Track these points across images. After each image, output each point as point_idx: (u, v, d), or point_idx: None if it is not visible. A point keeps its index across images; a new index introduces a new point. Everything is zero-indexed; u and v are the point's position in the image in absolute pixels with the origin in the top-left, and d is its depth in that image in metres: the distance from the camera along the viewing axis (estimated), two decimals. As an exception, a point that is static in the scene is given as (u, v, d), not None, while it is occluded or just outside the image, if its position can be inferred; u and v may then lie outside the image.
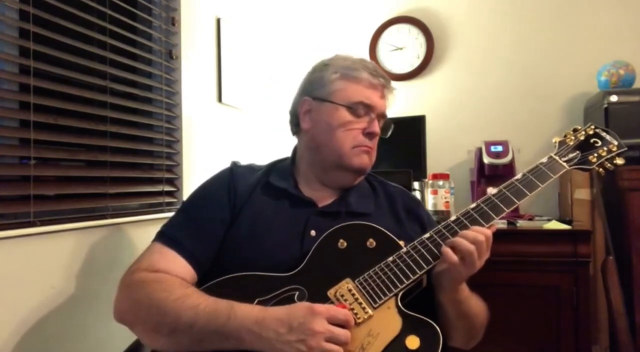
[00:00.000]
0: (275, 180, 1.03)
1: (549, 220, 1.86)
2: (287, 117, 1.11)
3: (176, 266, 0.91)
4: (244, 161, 1.14)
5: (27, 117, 1.14)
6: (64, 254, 1.20)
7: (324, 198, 1.03)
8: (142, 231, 1.40)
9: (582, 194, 1.98)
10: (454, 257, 0.84)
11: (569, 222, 1.82)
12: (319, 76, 1.03)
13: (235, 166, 1.08)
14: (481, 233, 0.86)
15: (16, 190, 1.13)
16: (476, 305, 0.96)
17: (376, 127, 1.00)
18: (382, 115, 1.03)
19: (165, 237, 0.95)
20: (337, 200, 1.03)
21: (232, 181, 1.02)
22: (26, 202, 1.12)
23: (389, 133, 1.08)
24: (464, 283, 0.90)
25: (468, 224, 0.90)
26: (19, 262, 1.09)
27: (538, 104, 2.31)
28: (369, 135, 1.00)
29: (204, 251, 0.95)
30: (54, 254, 1.18)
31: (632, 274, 1.74)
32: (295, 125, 1.08)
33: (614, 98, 1.89)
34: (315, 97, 1.03)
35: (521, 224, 1.83)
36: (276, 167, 1.08)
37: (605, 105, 1.90)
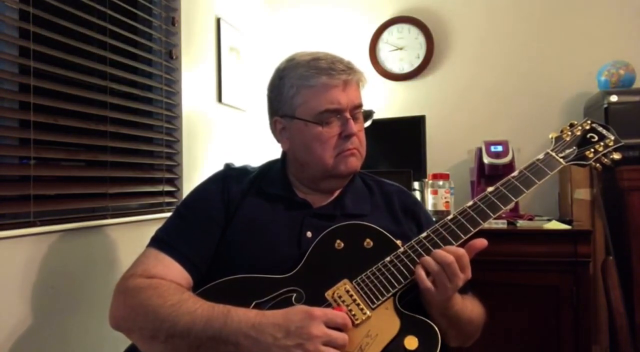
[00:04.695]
0: (268, 186, 1.02)
1: (549, 220, 1.86)
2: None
3: (171, 271, 0.90)
4: (242, 162, 1.13)
5: (27, 117, 1.14)
6: (64, 254, 1.21)
7: (319, 200, 1.02)
8: (142, 231, 1.40)
9: (582, 194, 1.98)
10: (427, 283, 0.82)
11: (569, 222, 1.81)
12: (279, 93, 1.00)
13: (228, 169, 1.08)
14: (452, 253, 0.83)
15: (16, 190, 1.14)
16: (470, 313, 0.93)
17: (351, 128, 0.95)
18: (355, 108, 0.98)
19: (159, 242, 0.94)
20: (333, 201, 1.02)
21: (225, 184, 1.01)
22: (26, 202, 1.12)
23: (370, 121, 1.03)
24: (452, 299, 0.86)
25: (465, 222, 0.90)
26: (19, 262, 1.09)
27: (538, 104, 2.30)
28: (347, 137, 0.96)
29: (199, 255, 0.94)
30: (54, 254, 1.18)
31: (632, 274, 1.74)
32: (278, 141, 1.07)
33: (614, 98, 1.89)
34: (282, 115, 1.01)
35: (521, 224, 1.83)
36: (269, 171, 1.07)
37: (605, 105, 1.90)
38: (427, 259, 0.84)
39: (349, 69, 0.97)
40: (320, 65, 0.95)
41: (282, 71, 1.01)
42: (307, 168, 1.00)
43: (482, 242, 0.87)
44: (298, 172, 1.03)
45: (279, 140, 1.06)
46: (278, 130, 1.03)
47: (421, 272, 0.83)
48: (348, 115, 0.96)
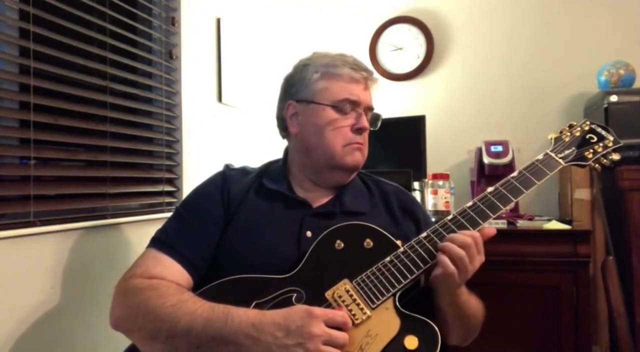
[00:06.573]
0: (268, 182, 1.03)
1: (549, 220, 1.86)
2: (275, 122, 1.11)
3: (171, 271, 0.90)
4: (242, 162, 1.14)
5: (27, 117, 1.14)
6: (64, 254, 1.21)
7: (318, 198, 1.03)
8: (142, 231, 1.40)
9: (582, 194, 1.98)
10: (451, 268, 0.83)
11: (569, 222, 1.82)
12: (300, 78, 1.03)
13: (227, 169, 1.08)
14: (469, 236, 0.85)
15: (16, 190, 1.14)
16: (475, 305, 0.95)
17: (365, 122, 1.00)
18: (368, 108, 1.03)
19: (159, 242, 0.94)
20: (332, 200, 1.03)
21: (225, 184, 1.02)
22: (26, 202, 1.12)
23: (379, 125, 1.07)
24: (462, 287, 0.88)
25: (465, 222, 0.90)
26: (19, 262, 1.09)
27: (538, 104, 2.31)
28: (358, 131, 1.00)
29: (199, 256, 0.94)
30: (54, 254, 1.18)
31: (632, 274, 1.74)
32: (284, 130, 1.08)
33: (614, 98, 1.89)
34: (299, 99, 1.02)
35: (521, 224, 1.83)
36: (269, 169, 1.08)
37: (605, 105, 1.90)
38: (450, 244, 0.84)
39: (370, 75, 1.03)
40: (347, 59, 1.02)
41: (308, 60, 1.05)
42: (313, 154, 1.01)
43: (491, 231, 0.89)
44: (302, 160, 1.04)
45: (285, 127, 1.07)
46: (289, 114, 1.05)
47: (444, 258, 0.84)
48: (362, 111, 1.01)
